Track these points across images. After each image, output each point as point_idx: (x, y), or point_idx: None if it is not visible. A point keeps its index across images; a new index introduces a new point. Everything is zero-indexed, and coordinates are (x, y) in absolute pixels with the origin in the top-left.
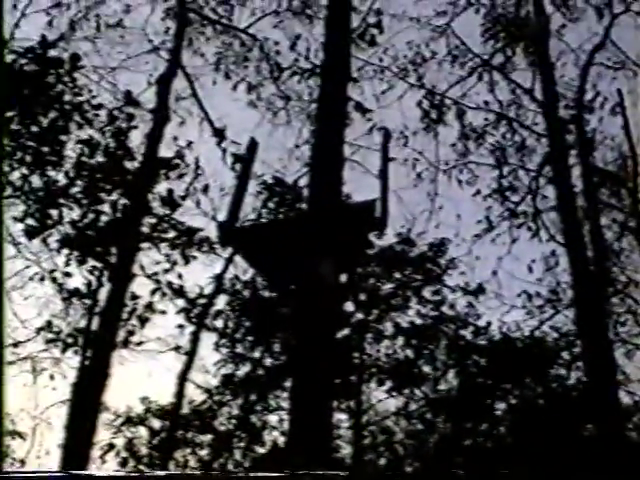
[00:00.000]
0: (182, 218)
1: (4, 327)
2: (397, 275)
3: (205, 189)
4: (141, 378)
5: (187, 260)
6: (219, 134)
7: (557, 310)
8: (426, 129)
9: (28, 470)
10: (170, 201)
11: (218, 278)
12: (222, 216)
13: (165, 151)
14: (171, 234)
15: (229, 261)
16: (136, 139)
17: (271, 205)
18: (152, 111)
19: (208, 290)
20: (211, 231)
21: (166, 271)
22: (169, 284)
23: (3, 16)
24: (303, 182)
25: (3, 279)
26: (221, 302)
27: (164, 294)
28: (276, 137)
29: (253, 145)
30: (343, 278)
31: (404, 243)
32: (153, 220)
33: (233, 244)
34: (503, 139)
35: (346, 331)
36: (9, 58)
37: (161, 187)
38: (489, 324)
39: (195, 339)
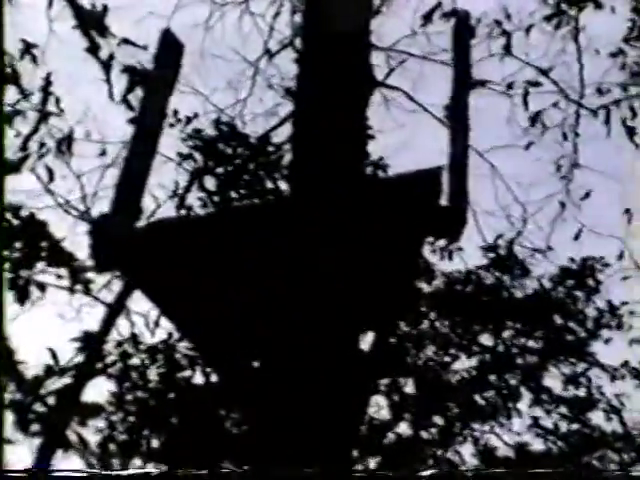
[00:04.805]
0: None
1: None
2: (486, 336)
3: (67, 142)
4: None
5: (22, 299)
6: (96, 23)
7: None
8: (549, 19)
9: None
10: None
11: (90, 340)
12: (102, 208)
13: None
14: None
15: (118, 305)
16: None
17: (211, 183)
18: None
19: (67, 359)
20: (78, 241)
21: None
22: None
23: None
24: (281, 136)
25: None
26: (99, 388)
27: None
28: (223, 33)
29: (171, 46)
30: (368, 339)
31: (499, 266)
32: None
33: (125, 267)
34: None
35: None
36: None
37: None
38: None
39: None
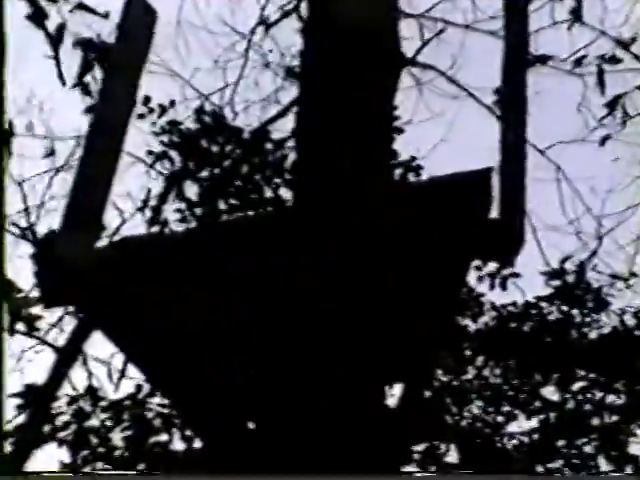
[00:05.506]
0: None
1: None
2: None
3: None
4: None
5: None
6: None
7: None
8: None
9: None
10: None
11: (35, 395)
12: (50, 224)
13: None
14: None
15: (72, 349)
16: None
17: (192, 190)
18: None
19: (6, 420)
20: (19, 266)
21: None
22: None
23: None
24: (282, 129)
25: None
26: (48, 457)
27: None
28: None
29: (141, 13)
30: (397, 393)
31: (567, 297)
32: None
33: (81, 300)
34: None
35: None
36: None
37: None
38: None
39: None
